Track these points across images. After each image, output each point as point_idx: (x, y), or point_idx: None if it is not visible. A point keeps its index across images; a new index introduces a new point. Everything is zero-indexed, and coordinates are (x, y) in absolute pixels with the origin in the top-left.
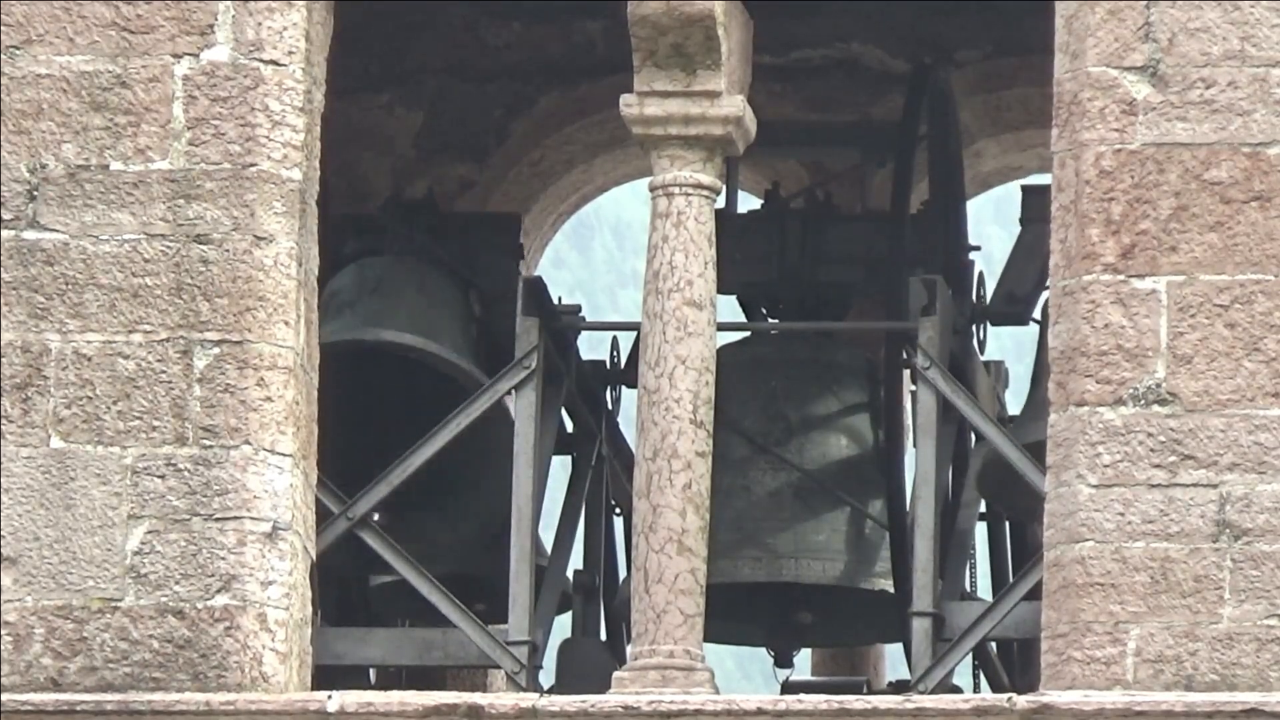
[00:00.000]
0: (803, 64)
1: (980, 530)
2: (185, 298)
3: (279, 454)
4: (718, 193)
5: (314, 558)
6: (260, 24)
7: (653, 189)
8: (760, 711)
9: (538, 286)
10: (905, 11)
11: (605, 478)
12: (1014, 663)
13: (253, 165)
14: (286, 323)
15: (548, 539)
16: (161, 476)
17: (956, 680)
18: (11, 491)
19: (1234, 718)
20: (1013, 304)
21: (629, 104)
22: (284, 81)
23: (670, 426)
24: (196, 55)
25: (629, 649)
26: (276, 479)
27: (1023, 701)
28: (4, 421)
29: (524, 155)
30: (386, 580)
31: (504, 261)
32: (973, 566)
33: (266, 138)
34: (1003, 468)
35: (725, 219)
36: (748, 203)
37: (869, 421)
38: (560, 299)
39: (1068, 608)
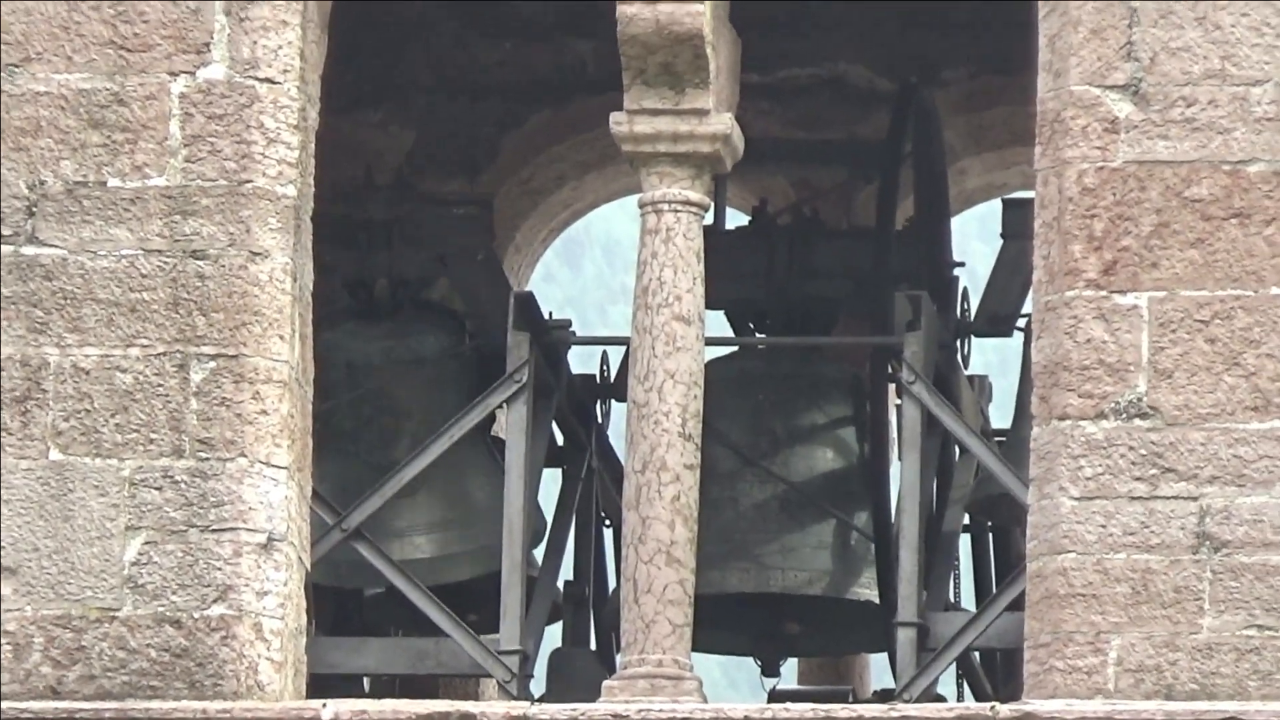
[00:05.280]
0: (790, 82)
1: (964, 541)
2: (182, 312)
3: (274, 466)
4: (706, 209)
5: (309, 568)
6: (256, 43)
7: (642, 206)
8: None
9: (528, 302)
10: (891, 31)
11: (595, 490)
12: (997, 672)
13: (248, 182)
14: (281, 337)
15: (539, 551)
16: (159, 488)
17: (941, 689)
18: (11, 503)
19: None
20: (996, 320)
21: (618, 122)
22: (279, 99)
23: (659, 439)
24: (193, 73)
25: (618, 658)
26: (272, 491)
27: (1006, 710)
28: (4, 434)
29: (515, 172)
30: (380, 591)
31: (476, 242)
32: (956, 577)
33: (262, 155)
34: (987, 483)
35: (713, 235)
36: (735, 219)
37: (854, 435)
38: (551, 314)
39: (1050, 618)
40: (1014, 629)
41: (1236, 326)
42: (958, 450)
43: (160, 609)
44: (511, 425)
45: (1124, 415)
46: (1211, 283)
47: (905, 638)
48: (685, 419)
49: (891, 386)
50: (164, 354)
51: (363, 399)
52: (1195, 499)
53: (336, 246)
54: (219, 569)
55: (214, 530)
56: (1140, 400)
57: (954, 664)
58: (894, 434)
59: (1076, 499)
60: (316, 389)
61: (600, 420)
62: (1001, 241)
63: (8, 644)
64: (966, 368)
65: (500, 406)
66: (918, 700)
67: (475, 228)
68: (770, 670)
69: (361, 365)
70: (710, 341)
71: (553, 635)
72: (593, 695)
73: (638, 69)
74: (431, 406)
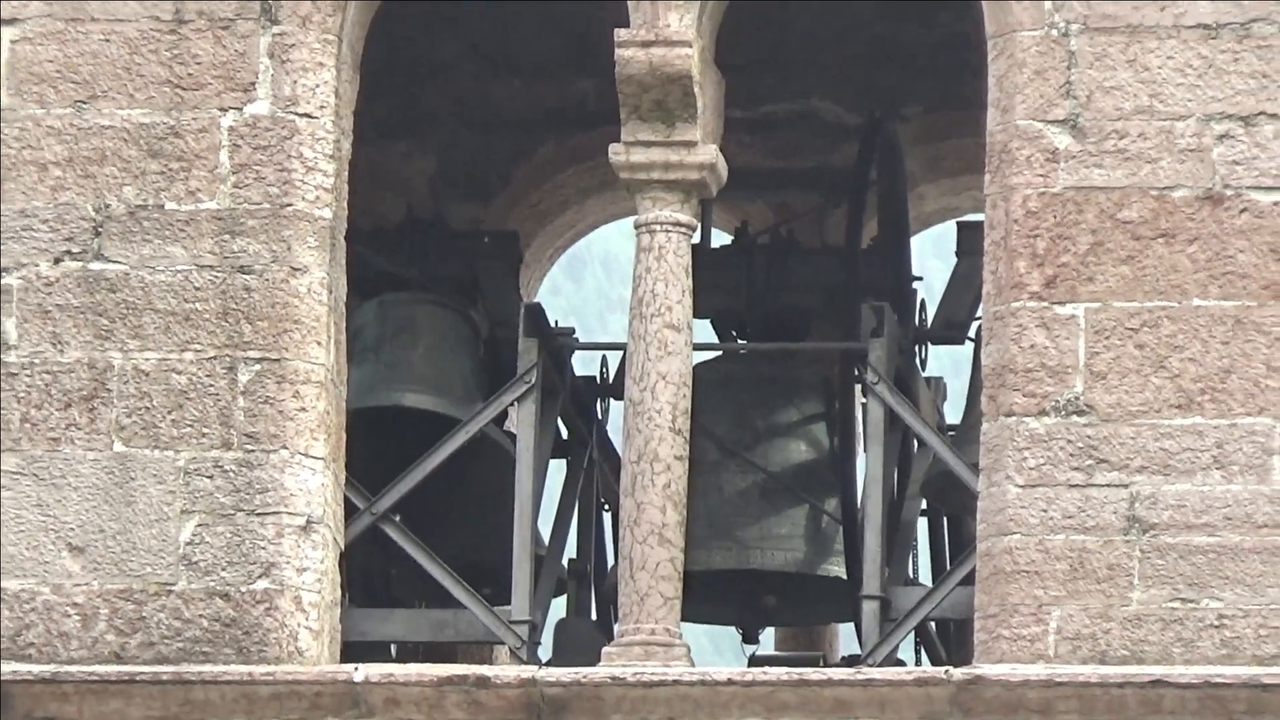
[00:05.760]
0: (768, 117)
1: (922, 524)
2: (230, 321)
3: (312, 457)
4: (694, 230)
5: (342, 548)
6: (296, 82)
7: (637, 226)
8: (730, 682)
9: (537, 311)
10: (858, 72)
11: (596, 478)
12: (951, 640)
13: (289, 205)
14: (319, 343)
15: (546, 532)
16: (210, 477)
17: (901, 655)
18: (80, 490)
19: (1142, 688)
20: (950, 328)
21: (616, 152)
22: (316, 132)
23: (652, 434)
24: (240, 109)
25: (616, 627)
26: (310, 479)
27: (958, 674)
28: (73, 429)
29: (525, 197)
30: (406, 568)
31: (506, 273)
32: (915, 556)
33: (301, 181)
34: (943, 473)
35: (700, 253)
36: (720, 239)
37: (825, 430)
38: (556, 322)
39: (997, 592)
40: (966, 602)
41: (1163, 334)
42: (916, 443)
43: (211, 584)
44: (522, 421)
45: (1063, 412)
46: (1141, 295)
47: (869, 609)
48: (675, 416)
49: (858, 387)
50: (215, 357)
51: (386, 317)
52: (1126, 486)
53: (377, 257)
54: (263, 548)
55: (259, 514)
56: (1077, 399)
57: (913, 633)
58: (860, 429)
59: (1021, 486)
60: (351, 320)
61: (600, 417)
62: (955, 259)
63: (76, 615)
64: (924, 370)
65: (512, 404)
66: (881, 665)
67: (503, 247)
68: (750, 638)
69: (391, 301)
70: (698, 347)
71: (558, 607)
72: (594, 660)
73: (633, 105)
74: (443, 330)
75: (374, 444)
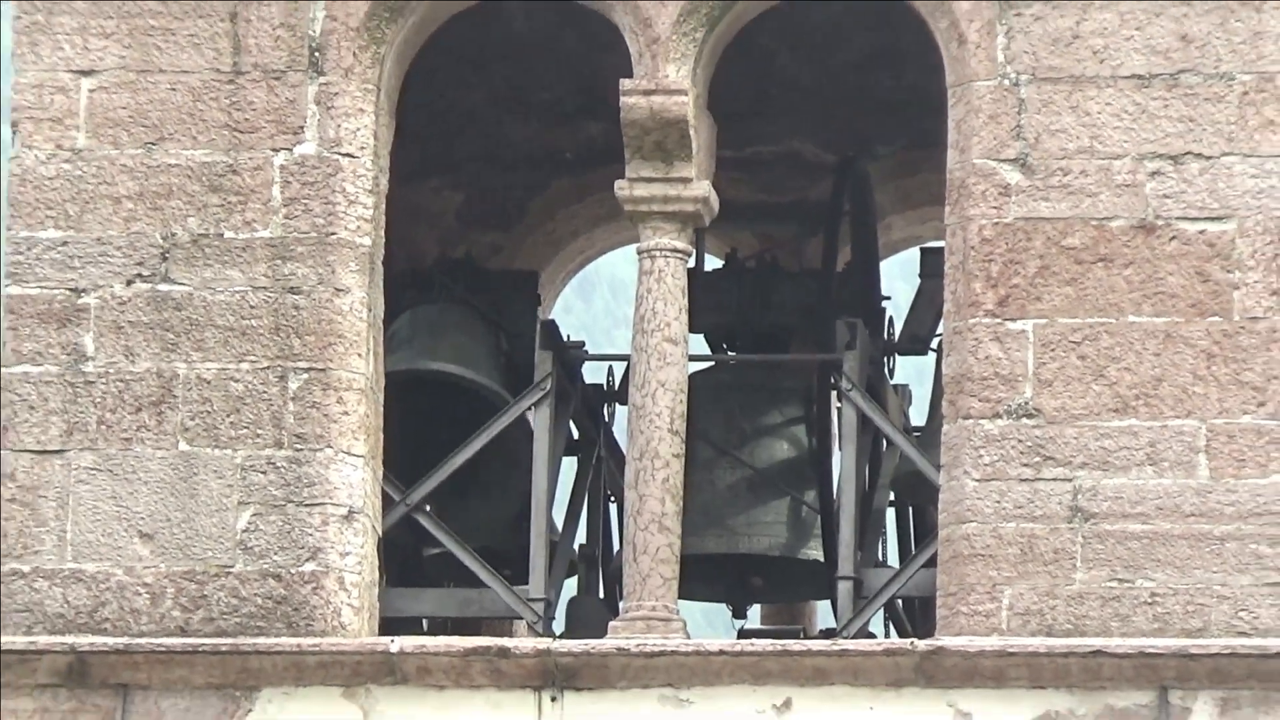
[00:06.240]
0: (755, 156)
1: (890, 514)
2: (282, 335)
3: (354, 455)
4: (690, 255)
5: (380, 535)
6: (339, 125)
7: (640, 252)
8: (722, 653)
9: (551, 327)
10: (834, 117)
11: (603, 474)
12: (916, 615)
13: (333, 234)
14: (359, 355)
15: (559, 520)
16: (264, 472)
17: (872, 629)
18: (149, 484)
19: (1084, 657)
20: (915, 342)
21: (621, 187)
22: (357, 170)
23: (653, 435)
24: (290, 149)
25: (621, 605)
26: (352, 474)
27: (922, 645)
28: (144, 430)
29: (541, 226)
30: (436, 552)
31: (525, 306)
32: (884, 542)
33: (344, 213)
34: (909, 470)
35: (695, 275)
36: (712, 263)
37: (805, 431)
38: (569, 337)
39: (957, 573)
40: (929, 582)
41: (1101, 346)
42: (885, 443)
43: (265, 566)
44: (538, 424)
45: (1014, 415)
46: (1082, 312)
47: (844, 588)
48: (673, 419)
49: (833, 393)
50: (268, 367)
51: (417, 321)
52: (1070, 480)
53: (412, 291)
54: (310, 535)
55: (307, 505)
56: (1027, 404)
57: (882, 609)
58: (835, 430)
59: (977, 480)
60: (387, 329)
61: (607, 419)
62: (919, 280)
63: (146, 593)
64: (892, 379)
65: (529, 409)
66: (854, 637)
67: (525, 284)
68: (739, 614)
69: (422, 310)
70: (693, 358)
71: (570, 587)
72: (601, 633)
73: (636, 145)
74: (465, 333)
75: (406, 415)
